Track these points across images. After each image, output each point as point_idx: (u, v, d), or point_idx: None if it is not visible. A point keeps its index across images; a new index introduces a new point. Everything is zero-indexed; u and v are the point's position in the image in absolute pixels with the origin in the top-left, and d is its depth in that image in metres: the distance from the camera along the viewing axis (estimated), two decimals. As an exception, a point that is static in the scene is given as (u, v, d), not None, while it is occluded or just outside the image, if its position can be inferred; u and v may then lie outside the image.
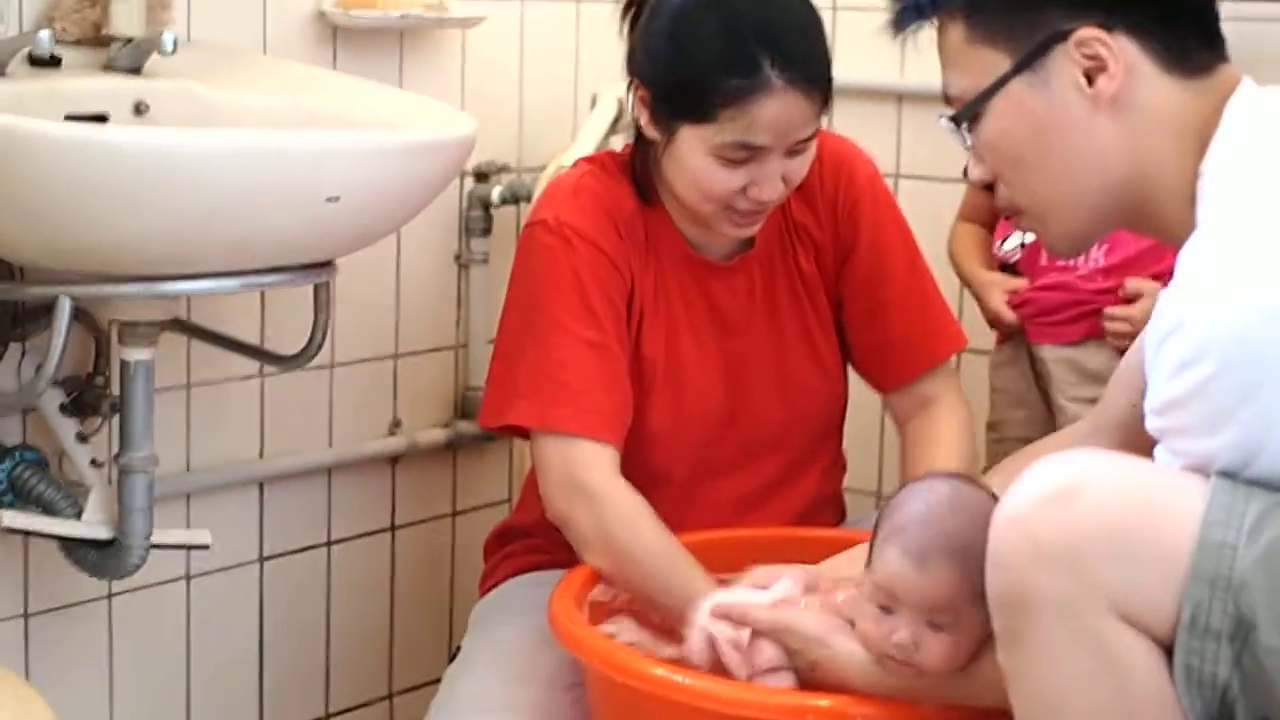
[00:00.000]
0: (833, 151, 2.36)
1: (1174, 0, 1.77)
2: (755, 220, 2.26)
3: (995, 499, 1.78)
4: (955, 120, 1.84)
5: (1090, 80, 1.76)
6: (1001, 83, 1.79)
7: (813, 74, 2.17)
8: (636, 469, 2.26)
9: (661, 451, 2.32)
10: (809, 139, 2.20)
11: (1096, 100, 1.76)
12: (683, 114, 2.20)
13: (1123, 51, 1.75)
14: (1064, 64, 1.77)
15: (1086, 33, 1.75)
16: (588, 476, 2.20)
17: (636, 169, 2.30)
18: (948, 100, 1.87)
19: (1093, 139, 1.78)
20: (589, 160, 2.36)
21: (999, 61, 1.80)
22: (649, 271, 2.30)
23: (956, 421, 2.38)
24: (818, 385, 2.39)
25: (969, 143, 1.85)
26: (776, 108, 2.15)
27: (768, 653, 1.96)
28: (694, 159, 2.20)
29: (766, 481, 2.39)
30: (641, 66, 2.25)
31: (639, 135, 2.29)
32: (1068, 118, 1.78)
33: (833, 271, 2.37)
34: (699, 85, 2.17)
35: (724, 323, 2.34)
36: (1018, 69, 1.78)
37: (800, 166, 2.23)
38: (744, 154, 2.17)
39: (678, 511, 2.25)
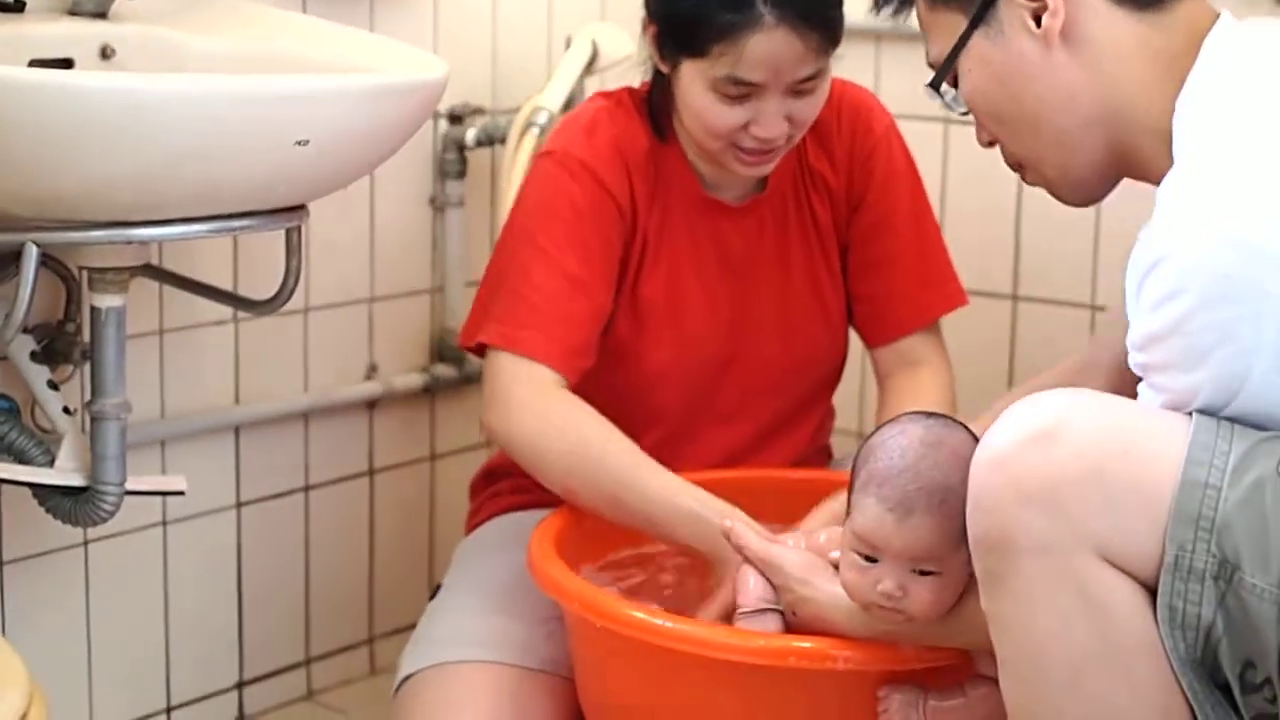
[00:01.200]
0: (852, 100, 2.38)
1: None
2: (764, 160, 2.26)
3: (974, 437, 1.79)
4: (933, 85, 1.88)
5: (1038, 21, 1.79)
6: (962, 41, 1.84)
7: (807, 11, 2.16)
8: (631, 408, 2.28)
9: (659, 391, 2.33)
10: (810, 79, 2.20)
11: (1048, 39, 1.79)
12: (681, 48, 2.21)
13: None
14: (1011, 10, 1.80)
15: None
16: (529, 390, 2.20)
17: (653, 104, 2.31)
18: (931, 66, 1.90)
19: (1055, 78, 1.80)
20: (605, 95, 2.37)
21: (958, 21, 1.84)
22: (655, 210, 2.30)
23: (938, 381, 2.38)
24: (821, 334, 2.40)
25: (956, 110, 1.89)
26: (767, 44, 2.15)
27: (757, 590, 1.96)
28: (695, 94, 2.21)
29: (761, 428, 2.40)
30: (650, 2, 2.27)
31: (656, 71, 2.30)
32: (1026, 62, 1.81)
33: (844, 219, 2.39)
34: (693, 19, 2.18)
35: (731, 264, 2.35)
36: (973, 24, 1.82)
37: (807, 108, 2.23)
38: (740, 89, 2.18)
39: (670, 453, 2.26)
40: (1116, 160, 1.83)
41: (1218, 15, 1.78)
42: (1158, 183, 1.73)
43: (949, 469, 1.81)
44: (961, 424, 1.90)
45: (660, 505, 2.13)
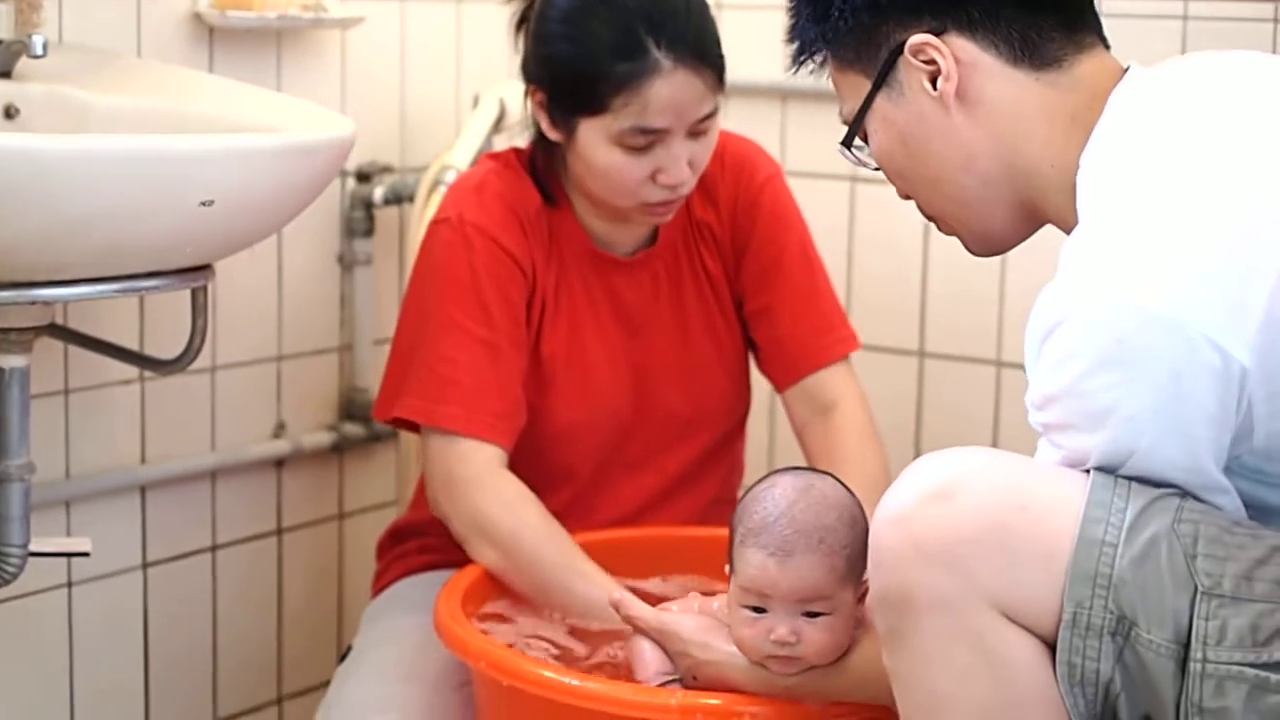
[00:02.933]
0: (735, 152, 2.41)
1: None
2: (670, 208, 2.28)
3: (843, 485, 1.87)
4: (844, 143, 1.90)
5: (935, 84, 1.81)
6: (867, 103, 1.86)
7: (701, 51, 2.21)
8: (539, 467, 2.28)
9: (565, 449, 2.33)
10: (708, 118, 2.23)
11: (944, 101, 1.81)
12: (578, 108, 2.22)
13: (960, 50, 1.80)
14: (910, 73, 1.82)
15: (918, 39, 1.80)
16: (467, 470, 2.22)
17: (538, 170, 2.31)
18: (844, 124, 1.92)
19: (954, 138, 1.82)
20: (493, 157, 2.38)
21: (862, 83, 1.86)
22: (552, 268, 2.31)
23: (854, 426, 2.38)
24: (722, 384, 2.41)
25: (869, 165, 1.91)
26: (669, 88, 2.18)
27: (655, 664, 1.97)
28: (597, 152, 2.22)
29: (669, 480, 2.41)
30: (533, 70, 2.28)
31: (539, 137, 2.30)
32: (926, 123, 1.83)
33: (733, 269, 2.40)
34: (589, 76, 2.20)
35: (628, 318, 2.36)
36: (876, 86, 1.84)
37: (704, 149, 2.25)
38: (645, 139, 2.20)
39: (580, 511, 2.28)
40: (1026, 214, 1.85)
41: (1124, 70, 1.80)
42: (1065, 229, 1.75)
43: (820, 510, 1.86)
44: (833, 476, 1.94)
45: (586, 610, 2.14)
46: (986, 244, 1.90)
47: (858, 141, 1.91)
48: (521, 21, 2.32)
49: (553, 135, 2.27)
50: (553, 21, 2.25)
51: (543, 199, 2.32)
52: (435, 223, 2.32)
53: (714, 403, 2.41)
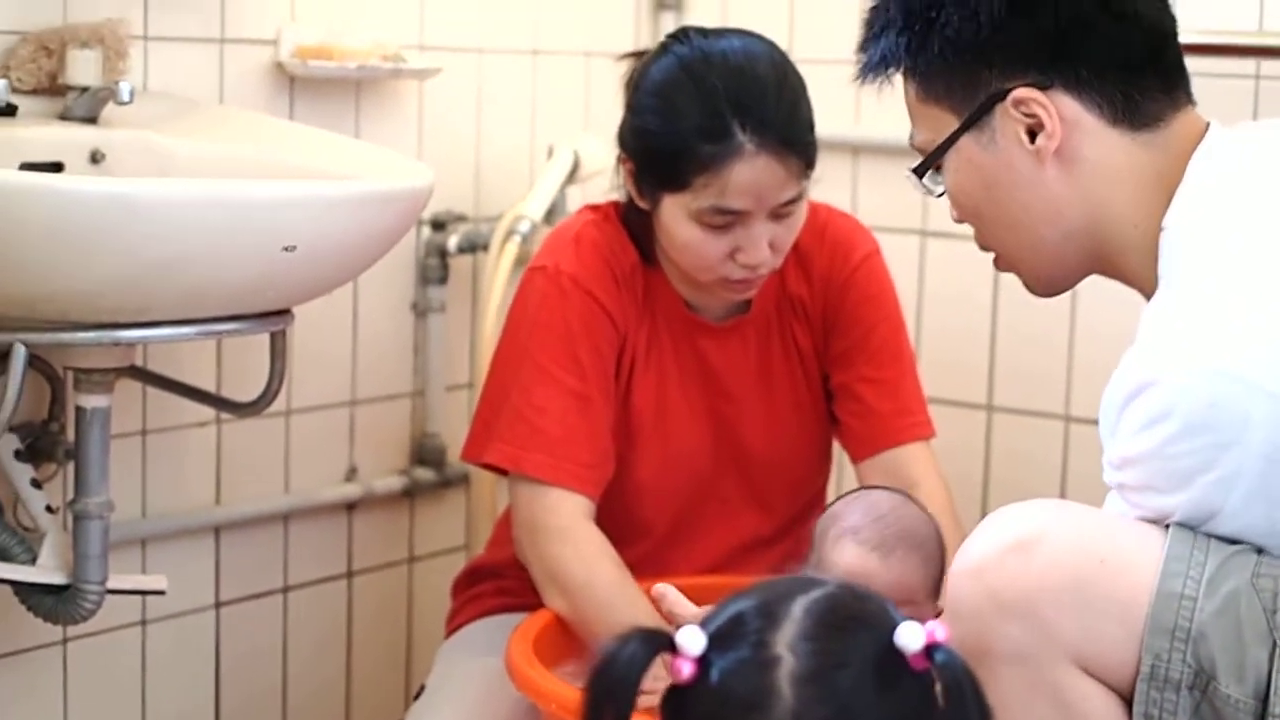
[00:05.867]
0: (836, 228, 2.40)
1: (1117, 53, 1.78)
2: (752, 286, 2.28)
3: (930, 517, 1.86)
4: (917, 172, 1.87)
5: (1032, 137, 1.78)
6: (951, 141, 1.82)
7: (787, 137, 2.19)
8: (619, 519, 2.30)
9: (644, 503, 2.34)
10: (791, 202, 2.22)
11: (1040, 156, 1.78)
12: (662, 184, 2.23)
13: (1064, 107, 1.77)
14: (1006, 122, 1.79)
15: (1022, 93, 1.77)
16: (551, 519, 2.24)
17: (633, 230, 2.33)
18: (915, 148, 1.90)
19: (1043, 192, 1.80)
20: (593, 209, 2.39)
21: (948, 119, 1.83)
22: (644, 324, 2.32)
23: (934, 509, 2.30)
24: (803, 454, 2.41)
25: (934, 192, 1.88)
26: (750, 172, 2.17)
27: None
28: (678, 227, 2.23)
29: (743, 543, 2.41)
30: (625, 138, 2.30)
31: (630, 200, 2.32)
32: (1015, 173, 1.80)
33: (822, 344, 2.39)
34: (673, 154, 2.21)
35: (715, 383, 2.36)
36: (964, 128, 1.81)
37: (787, 231, 2.24)
38: (724, 219, 2.20)
39: (654, 565, 2.29)
40: (1093, 266, 1.84)
41: (1206, 125, 1.79)
42: (1137, 287, 1.75)
43: (918, 521, 1.85)
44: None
45: None
46: (1050, 287, 1.89)
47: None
48: (628, 85, 2.33)
49: (641, 204, 2.28)
50: (644, 94, 2.26)
51: (639, 256, 2.34)
52: (531, 270, 2.33)
53: (793, 471, 2.41)
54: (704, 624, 1.32)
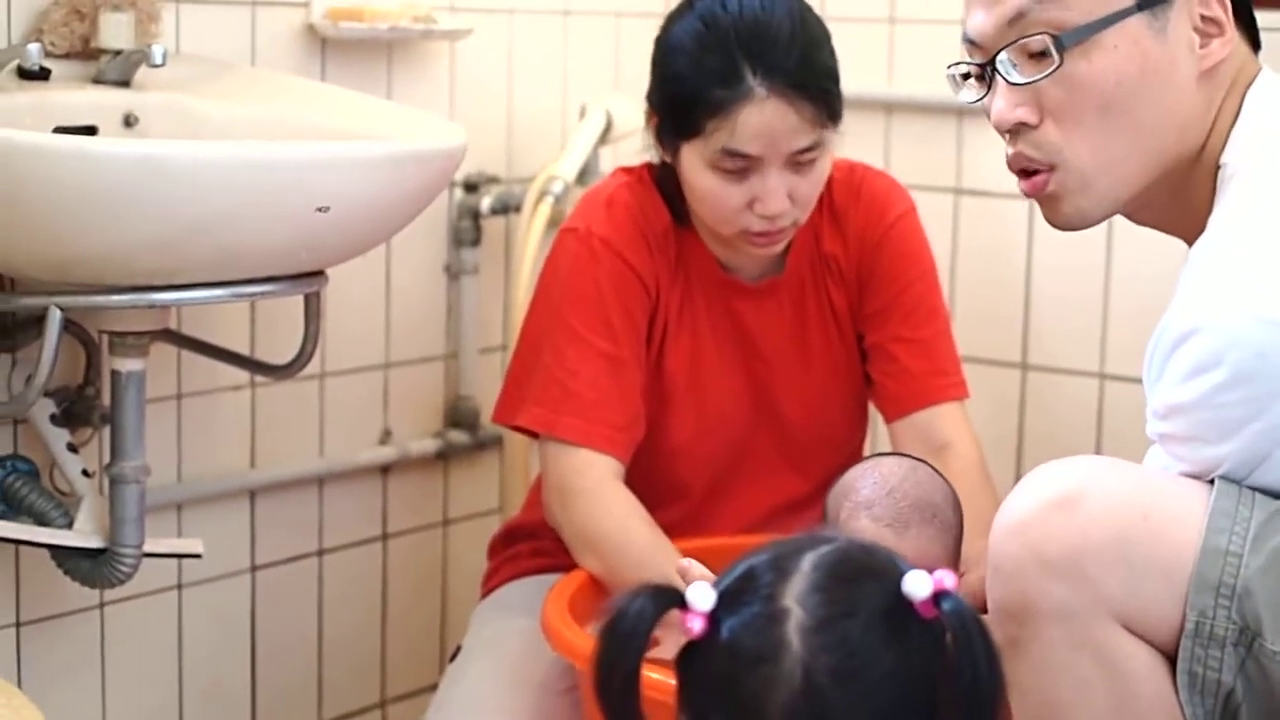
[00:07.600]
0: (871, 186, 2.39)
1: None
2: (773, 240, 2.27)
3: (941, 476, 1.85)
4: (1057, 43, 1.70)
5: (1203, 42, 1.72)
6: (1122, 15, 1.70)
7: (800, 81, 2.19)
8: (656, 482, 2.30)
9: (680, 465, 2.35)
10: (808, 150, 2.21)
11: (1202, 63, 1.72)
12: (680, 132, 2.24)
13: (1231, 27, 1.73)
14: (1183, 17, 1.72)
15: None
16: (581, 481, 2.24)
17: (665, 190, 2.33)
18: (972, 44, 1.77)
19: (1184, 101, 1.73)
20: (627, 171, 2.39)
21: None
22: (676, 287, 2.32)
23: (969, 473, 2.29)
24: (839, 414, 2.41)
25: (1005, 77, 1.73)
26: (760, 115, 2.18)
27: None
28: (697, 176, 2.23)
29: (780, 504, 2.40)
30: (650, 93, 2.31)
31: (664, 162, 2.32)
32: (1175, 71, 1.72)
33: (857, 303, 2.38)
34: (687, 100, 2.22)
35: (750, 343, 2.36)
36: (1142, 5, 1.71)
37: (808, 184, 2.24)
38: (737, 164, 2.20)
39: (691, 527, 2.31)
40: (1141, 198, 1.77)
41: (1259, 68, 1.76)
42: (1168, 229, 1.72)
43: (929, 488, 1.85)
44: (926, 462, 1.95)
45: None
46: (1086, 219, 1.77)
47: (1010, 56, 1.72)
48: (657, 40, 2.34)
49: (664, 156, 2.29)
50: (665, 48, 2.28)
51: (672, 218, 2.33)
52: (564, 232, 2.34)
53: (829, 432, 2.40)
54: (716, 583, 1.34)
